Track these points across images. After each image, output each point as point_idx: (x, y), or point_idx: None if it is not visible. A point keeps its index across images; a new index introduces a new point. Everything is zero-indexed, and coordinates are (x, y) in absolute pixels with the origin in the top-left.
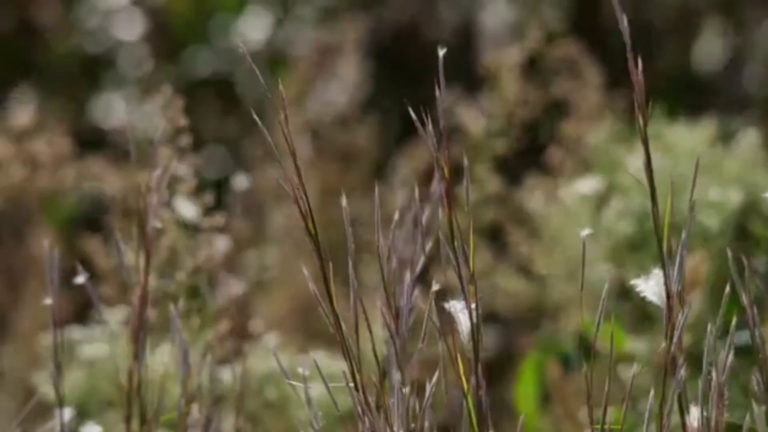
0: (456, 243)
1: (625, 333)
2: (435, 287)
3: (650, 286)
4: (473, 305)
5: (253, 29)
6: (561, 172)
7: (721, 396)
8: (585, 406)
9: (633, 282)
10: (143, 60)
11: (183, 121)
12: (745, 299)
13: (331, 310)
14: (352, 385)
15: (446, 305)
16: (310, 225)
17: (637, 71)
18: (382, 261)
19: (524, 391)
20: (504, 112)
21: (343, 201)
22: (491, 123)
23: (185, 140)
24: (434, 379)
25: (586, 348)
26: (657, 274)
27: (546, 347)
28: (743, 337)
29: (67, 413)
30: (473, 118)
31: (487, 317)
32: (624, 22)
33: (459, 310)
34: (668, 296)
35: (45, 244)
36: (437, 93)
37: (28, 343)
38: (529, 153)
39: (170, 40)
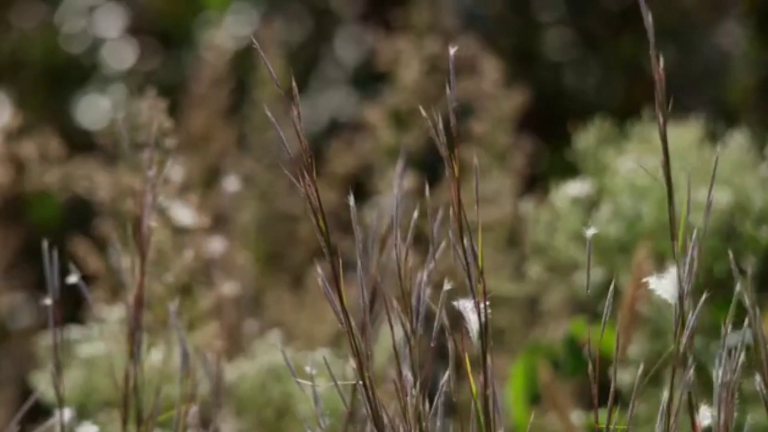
0: (465, 241)
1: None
2: (447, 286)
3: (665, 285)
4: (482, 304)
5: (238, 26)
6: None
7: (732, 395)
8: (576, 408)
9: (648, 280)
10: (127, 58)
11: (167, 123)
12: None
13: (342, 307)
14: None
15: (456, 304)
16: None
17: (660, 69)
18: (399, 260)
19: (515, 393)
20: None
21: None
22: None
23: (170, 142)
24: (445, 377)
25: (576, 352)
26: (672, 273)
27: (536, 351)
28: (734, 338)
29: (67, 414)
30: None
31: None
32: (648, 19)
33: (468, 309)
34: (681, 296)
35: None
36: None
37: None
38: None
39: (154, 38)
